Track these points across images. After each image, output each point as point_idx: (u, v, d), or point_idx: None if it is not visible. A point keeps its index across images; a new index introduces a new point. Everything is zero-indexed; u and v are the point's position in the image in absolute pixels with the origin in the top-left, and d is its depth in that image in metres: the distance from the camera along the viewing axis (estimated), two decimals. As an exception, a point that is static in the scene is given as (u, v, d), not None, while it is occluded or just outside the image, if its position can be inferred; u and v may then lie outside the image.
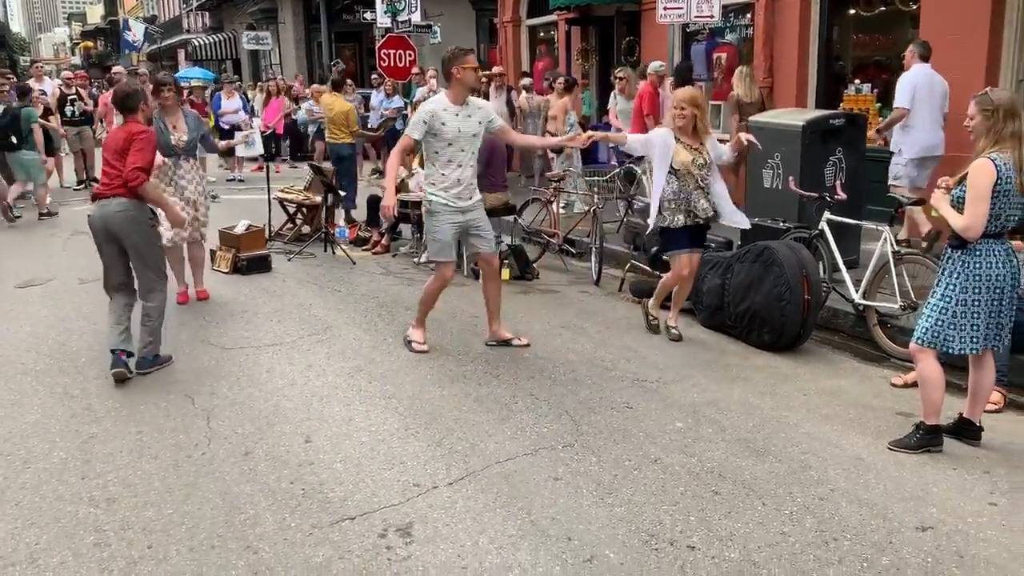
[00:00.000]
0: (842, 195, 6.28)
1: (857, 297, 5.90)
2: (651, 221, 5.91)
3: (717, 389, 5.00)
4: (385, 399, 4.81)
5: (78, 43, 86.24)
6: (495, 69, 12.60)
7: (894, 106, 7.28)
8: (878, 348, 5.76)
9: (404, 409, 4.65)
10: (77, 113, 13.47)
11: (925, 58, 7.23)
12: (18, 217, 10.70)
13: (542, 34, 15.31)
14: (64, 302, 6.98)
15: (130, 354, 5.20)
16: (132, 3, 61.08)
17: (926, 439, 4.14)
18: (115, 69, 15.65)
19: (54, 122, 12.75)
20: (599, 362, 5.45)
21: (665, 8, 8.94)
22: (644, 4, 11.48)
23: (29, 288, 7.47)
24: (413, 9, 15.91)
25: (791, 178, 6.67)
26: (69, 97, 13.47)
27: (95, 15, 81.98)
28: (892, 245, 5.69)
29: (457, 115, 5.38)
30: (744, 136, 5.72)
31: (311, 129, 15.44)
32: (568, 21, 13.61)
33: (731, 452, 4.12)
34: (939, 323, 4.03)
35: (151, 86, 7.02)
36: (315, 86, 14.82)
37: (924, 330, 4.10)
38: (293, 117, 16.19)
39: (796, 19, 9.43)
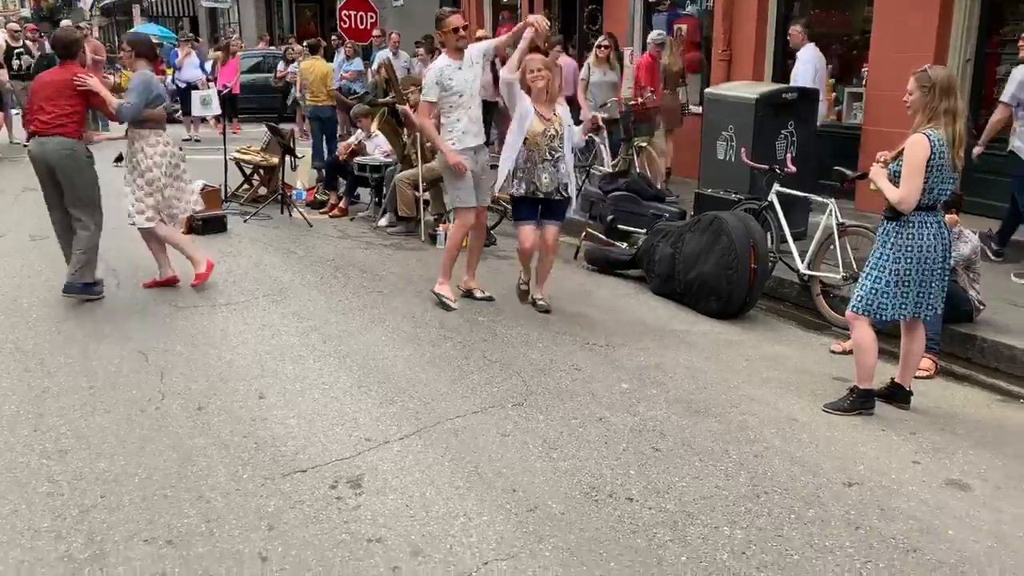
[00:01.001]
0: (792, 168, 6.44)
1: (802, 267, 6.08)
2: (497, 187, 5.92)
3: (663, 353, 5.16)
4: (339, 358, 4.88)
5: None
6: (479, 32, 12.22)
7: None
8: (820, 317, 5.97)
9: (357, 368, 4.74)
10: (25, 67, 13.13)
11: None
12: None
13: (505, 0, 15.24)
14: (14, 258, 6.91)
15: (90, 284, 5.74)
16: (85, -45, 59.11)
17: (859, 402, 4.34)
18: (63, 23, 15.25)
19: (1, 76, 12.44)
20: (551, 326, 5.57)
21: (626, -22, 8.99)
22: (607, -27, 11.51)
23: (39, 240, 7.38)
24: (376, -30, 15.71)
25: (743, 150, 6.83)
26: (16, 50, 13.11)
27: (46, -34, 79.22)
28: (837, 218, 5.87)
29: (460, 68, 5.76)
30: (597, 116, 6.17)
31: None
32: (531, -12, 13.57)
33: (673, 412, 4.28)
34: (872, 291, 4.21)
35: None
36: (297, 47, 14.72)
37: (859, 298, 4.28)
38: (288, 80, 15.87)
39: (755, -8, 9.55)
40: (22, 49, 13.21)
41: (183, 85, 14.49)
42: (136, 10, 41.51)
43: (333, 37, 14.51)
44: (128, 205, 5.99)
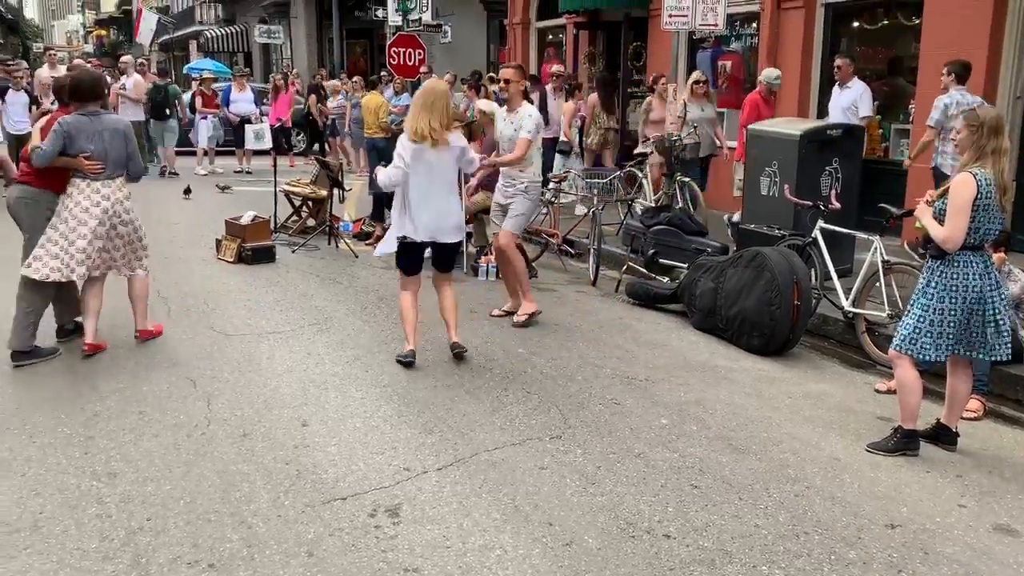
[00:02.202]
0: (836, 205, 6.41)
1: (847, 305, 6.02)
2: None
3: (704, 389, 5.14)
4: (380, 387, 4.95)
5: (91, 31, 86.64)
6: (554, 68, 11.87)
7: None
8: (865, 355, 5.89)
9: (398, 398, 4.80)
10: None
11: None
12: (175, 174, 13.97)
13: (551, 37, 15.45)
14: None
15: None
16: (146, -7, 61.32)
17: (903, 442, 4.27)
18: (123, 58, 15.82)
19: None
20: (591, 360, 5.59)
21: (670, 16, 9.08)
22: (652, 10, 11.60)
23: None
24: (424, 8, 16.08)
25: (787, 186, 6.81)
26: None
27: (109, 3, 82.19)
28: (882, 255, 5.82)
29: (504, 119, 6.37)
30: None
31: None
32: (576, 25, 13.75)
33: (712, 449, 4.25)
34: (915, 330, 4.16)
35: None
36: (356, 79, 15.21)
37: (902, 337, 4.23)
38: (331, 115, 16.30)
39: (800, 30, 9.57)
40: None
41: (236, 119, 14.88)
42: (193, 46, 42.89)
43: (382, 73, 14.83)
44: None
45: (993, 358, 4.22)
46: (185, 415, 4.53)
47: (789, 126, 7.53)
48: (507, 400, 4.80)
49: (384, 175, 5.33)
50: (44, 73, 13.10)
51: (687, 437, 4.39)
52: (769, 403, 4.97)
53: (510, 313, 6.50)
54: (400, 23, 15.35)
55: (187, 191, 11.87)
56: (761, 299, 5.88)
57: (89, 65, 14.95)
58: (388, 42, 15.21)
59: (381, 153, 11.30)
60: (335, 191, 9.15)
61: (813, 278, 6.30)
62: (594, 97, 11.25)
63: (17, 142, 11.61)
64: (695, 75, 9.66)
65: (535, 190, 6.39)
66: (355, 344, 5.75)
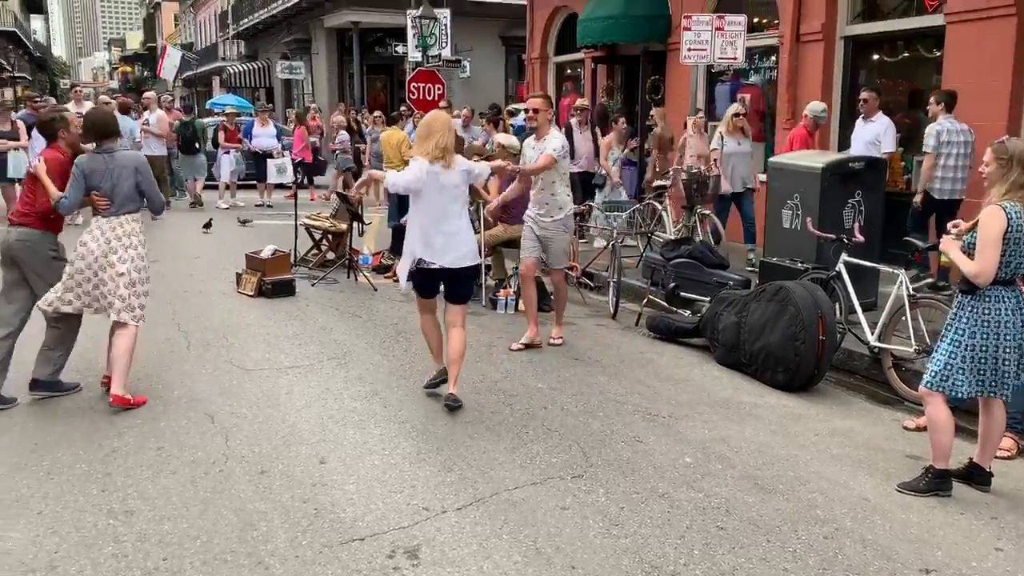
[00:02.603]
0: (860, 238, 6.34)
1: (872, 340, 5.92)
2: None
3: (728, 426, 5.04)
4: (399, 424, 4.90)
5: (117, 68, 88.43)
6: (579, 102, 11.64)
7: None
8: (892, 391, 5.78)
9: (417, 434, 4.74)
10: None
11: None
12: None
13: (569, 71, 15.55)
14: (96, 321, 7.13)
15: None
16: (170, 30, 62.62)
17: (935, 483, 4.15)
18: (146, 94, 16.04)
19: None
20: (612, 395, 5.51)
21: (689, 49, 9.09)
22: (670, 44, 11.66)
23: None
24: (444, 44, 16.27)
25: (809, 219, 6.75)
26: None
27: (134, 41, 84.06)
28: (908, 289, 5.72)
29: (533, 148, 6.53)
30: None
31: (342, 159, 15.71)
32: (594, 59, 13.82)
33: (738, 488, 4.15)
34: (947, 367, 4.07)
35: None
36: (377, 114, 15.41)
37: (933, 374, 4.13)
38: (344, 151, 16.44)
39: (820, 62, 9.55)
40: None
41: (259, 153, 15.02)
42: (216, 81, 43.60)
43: (402, 108, 14.95)
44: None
45: (1012, 391, 4.11)
46: (203, 451, 4.50)
47: (811, 159, 7.49)
48: (527, 437, 4.73)
49: (400, 176, 5.20)
50: (71, 109, 13.29)
51: (712, 476, 4.29)
52: (795, 440, 4.87)
53: (530, 346, 6.51)
54: (420, 59, 15.52)
55: (207, 225, 11.95)
56: (785, 334, 5.79)
57: (113, 101, 15.22)
58: (408, 77, 15.38)
59: None
60: (355, 224, 9.16)
61: (837, 312, 6.21)
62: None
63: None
64: (734, 107, 9.49)
65: (571, 223, 6.82)
66: (374, 379, 5.71)
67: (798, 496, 4.09)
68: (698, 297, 7.51)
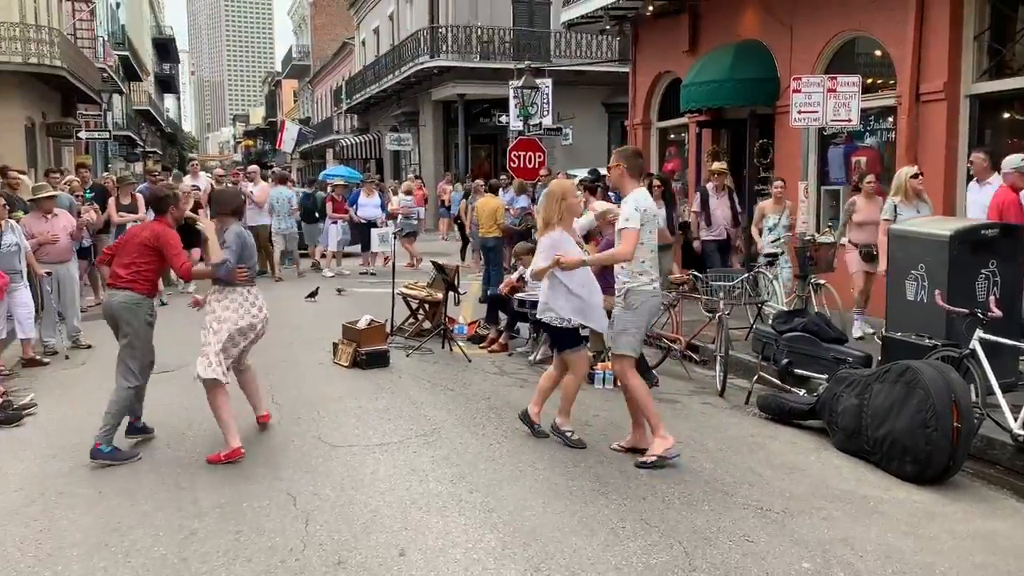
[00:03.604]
0: (997, 312, 5.73)
1: (1016, 427, 5.28)
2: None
3: (851, 525, 4.50)
4: (485, 512, 4.58)
5: (240, 142, 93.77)
6: (715, 165, 11.14)
7: None
8: (1042, 487, 5.10)
9: (503, 525, 4.41)
10: None
11: None
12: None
13: (672, 136, 15.27)
14: (192, 390, 7.15)
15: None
16: (290, 105, 66.06)
17: (1106, 606, 3.53)
18: (250, 168, 16.66)
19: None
20: (719, 485, 5.05)
21: (800, 112, 8.69)
22: (778, 107, 11.25)
23: (161, 373, 7.75)
24: (545, 113, 16.33)
25: (937, 291, 6.16)
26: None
27: (257, 116, 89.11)
28: (1057, 370, 5.09)
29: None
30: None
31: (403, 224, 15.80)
32: (699, 123, 13.52)
33: (866, 604, 3.64)
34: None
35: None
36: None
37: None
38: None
39: (943, 123, 8.96)
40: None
41: (363, 222, 15.28)
42: (329, 153, 45.46)
43: (502, 176, 14.97)
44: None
45: None
46: (281, 536, 4.30)
47: (936, 225, 6.91)
48: (623, 534, 4.33)
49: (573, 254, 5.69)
50: (187, 182, 13.89)
51: (834, 586, 3.79)
52: (930, 544, 4.29)
53: (633, 449, 5.60)
54: (521, 127, 15.59)
55: (313, 294, 12.09)
56: (914, 420, 5.21)
57: (220, 173, 15.95)
58: (510, 146, 15.44)
59: (490, 252, 11.71)
60: (451, 294, 9.05)
61: (973, 394, 5.59)
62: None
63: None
64: (910, 169, 8.03)
65: (640, 298, 5.47)
66: (460, 459, 5.43)
67: (938, 616, 3.55)
68: (814, 375, 6.96)
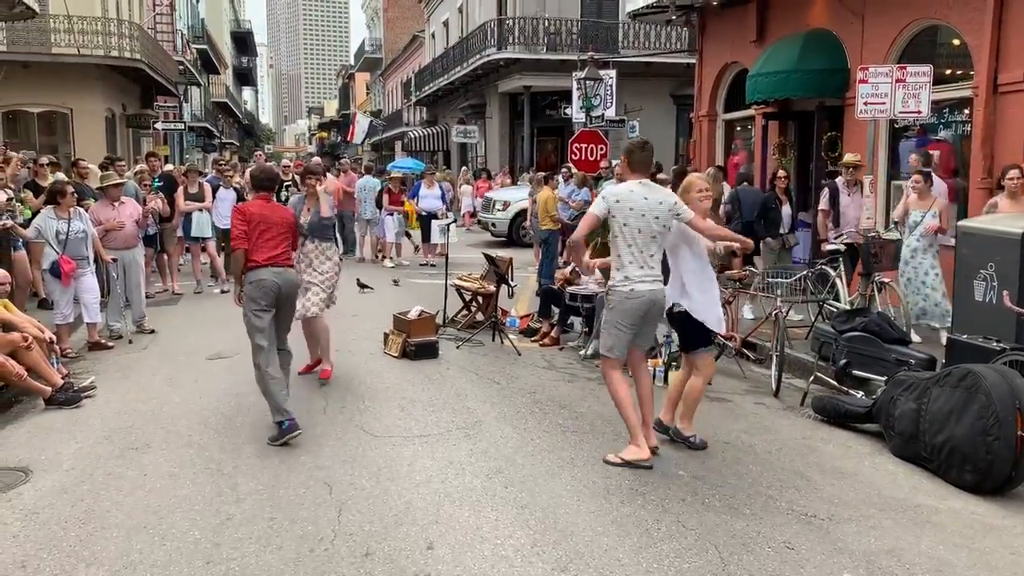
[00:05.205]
0: (1071, 315, 5.40)
1: (1087, 438, 4.95)
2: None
3: (900, 535, 4.30)
4: (518, 508, 4.52)
5: (315, 134, 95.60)
6: (847, 157, 9.67)
7: None
8: (1115, 502, 4.78)
9: (535, 523, 4.34)
10: (283, 199, 14.54)
11: None
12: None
13: (738, 128, 14.92)
14: (244, 377, 7.27)
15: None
16: (362, 98, 66.99)
17: None
18: (314, 160, 16.99)
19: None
20: (763, 489, 4.88)
21: (865, 103, 8.35)
22: (847, 99, 10.84)
23: (218, 360, 7.93)
24: (609, 105, 16.12)
25: (1006, 293, 5.86)
26: (284, 183, 14.56)
27: (331, 109, 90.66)
28: None
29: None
30: None
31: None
32: (765, 115, 13.16)
33: (907, 620, 3.46)
34: None
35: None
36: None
37: None
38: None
39: (1022, 115, 8.49)
40: (290, 182, 14.66)
41: (424, 214, 15.36)
42: (398, 145, 45.94)
43: (563, 168, 14.87)
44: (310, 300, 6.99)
45: None
46: (313, 525, 4.32)
47: (1009, 223, 6.56)
48: (658, 535, 4.21)
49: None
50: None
51: (875, 600, 3.61)
52: (984, 559, 4.06)
53: (654, 450, 5.35)
54: (583, 119, 15.43)
55: (363, 286, 12.14)
56: (975, 427, 4.95)
57: (285, 164, 16.26)
58: (571, 138, 15.31)
59: (544, 244, 11.67)
60: (502, 287, 9.00)
61: (1042, 402, 5.27)
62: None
63: (224, 235, 12.54)
64: (1017, 172, 7.45)
65: (614, 298, 5.22)
66: (499, 453, 5.38)
67: (986, 636, 3.35)
68: (874, 376, 6.69)
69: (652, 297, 5.24)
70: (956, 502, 4.79)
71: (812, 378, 7.01)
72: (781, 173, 10.29)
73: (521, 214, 17.97)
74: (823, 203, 9.53)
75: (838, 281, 9.04)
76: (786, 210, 10.02)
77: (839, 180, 9.56)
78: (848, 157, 9.57)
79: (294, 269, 6.28)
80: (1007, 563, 4.03)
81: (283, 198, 14.50)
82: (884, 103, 8.29)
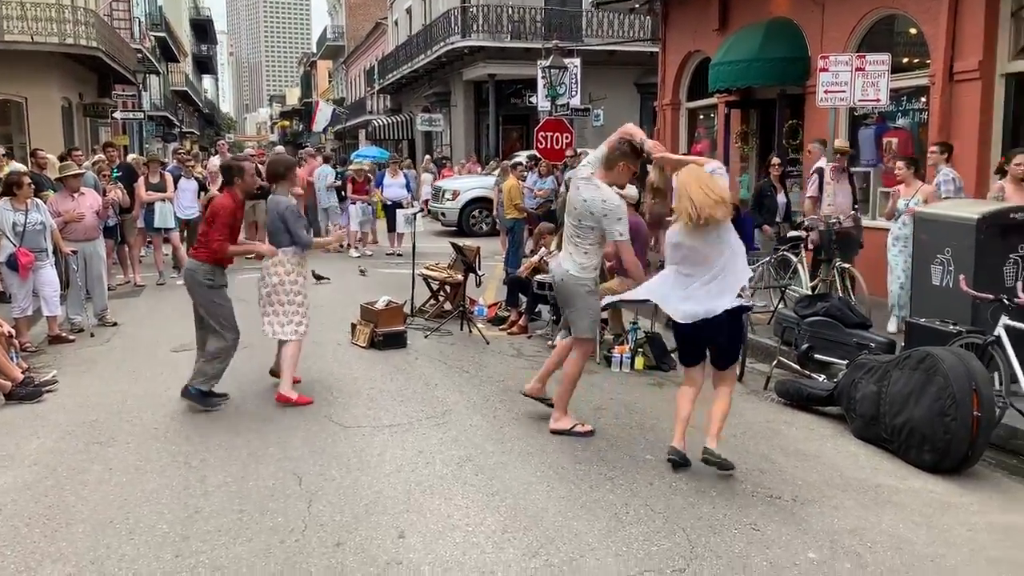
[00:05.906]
0: (1024, 298, 5.55)
1: (1040, 417, 5.11)
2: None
3: (862, 515, 4.40)
4: (488, 495, 4.55)
5: (276, 122, 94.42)
6: (837, 143, 9.41)
7: None
8: (1066, 479, 4.94)
9: (506, 509, 4.37)
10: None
11: None
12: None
13: (701, 116, 15.04)
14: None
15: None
16: (324, 86, 66.32)
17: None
18: (276, 149, 16.85)
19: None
20: (729, 472, 4.96)
21: (826, 91, 8.47)
22: (808, 87, 10.99)
23: (182, 352, 7.84)
24: (573, 93, 16.15)
25: (962, 277, 6.00)
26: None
27: (293, 97, 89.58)
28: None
29: None
30: None
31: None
32: (728, 104, 13.29)
33: (869, 596, 3.55)
34: None
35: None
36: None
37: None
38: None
39: (976, 103, 8.69)
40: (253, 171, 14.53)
41: (389, 203, 15.29)
42: (362, 134, 45.56)
43: (527, 156, 14.89)
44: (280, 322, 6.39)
45: None
46: (283, 516, 4.31)
47: (964, 208, 6.71)
48: (627, 519, 4.27)
49: None
50: (214, 162, 13.98)
51: (838, 578, 3.70)
52: (942, 536, 4.18)
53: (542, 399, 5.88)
54: (548, 108, 15.45)
55: (319, 277, 12.01)
56: (932, 408, 5.08)
57: (250, 153, 16.06)
58: (537, 127, 15.32)
59: (511, 233, 12.01)
60: (471, 276, 9.00)
61: (997, 383, 5.43)
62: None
63: (186, 226, 12.39)
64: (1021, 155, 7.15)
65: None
66: (468, 441, 5.41)
67: (944, 610, 3.45)
68: (835, 360, 6.82)
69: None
70: (916, 481, 4.92)
71: (775, 362, 7.13)
72: (775, 160, 10.32)
73: (472, 203, 17.93)
74: (811, 190, 9.37)
75: (799, 267, 9.20)
76: (780, 198, 10.13)
77: (827, 165, 9.25)
78: (838, 143, 9.40)
79: (194, 261, 6.36)
80: (964, 539, 4.15)
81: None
82: (844, 91, 8.42)
